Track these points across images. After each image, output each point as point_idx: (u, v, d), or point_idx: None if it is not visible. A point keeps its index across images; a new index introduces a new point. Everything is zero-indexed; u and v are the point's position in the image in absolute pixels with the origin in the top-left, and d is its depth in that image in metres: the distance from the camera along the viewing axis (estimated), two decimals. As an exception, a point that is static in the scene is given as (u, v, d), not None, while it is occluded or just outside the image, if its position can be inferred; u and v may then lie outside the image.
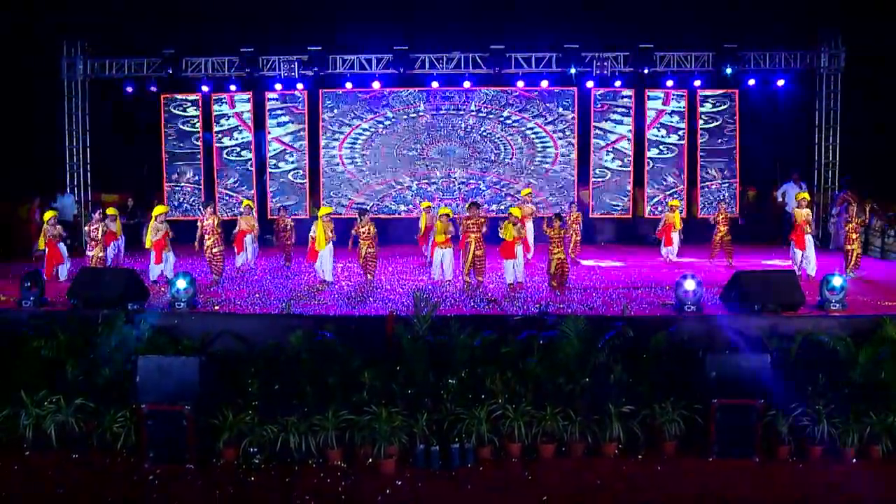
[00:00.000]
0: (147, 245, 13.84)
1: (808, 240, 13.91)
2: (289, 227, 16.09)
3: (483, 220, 13.19)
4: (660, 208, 20.27)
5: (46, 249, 14.27)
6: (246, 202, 16.21)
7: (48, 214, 14.55)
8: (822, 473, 8.42)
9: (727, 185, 20.39)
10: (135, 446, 8.80)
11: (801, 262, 13.90)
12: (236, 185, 20.77)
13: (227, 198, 20.66)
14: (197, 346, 9.57)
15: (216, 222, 13.76)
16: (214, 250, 13.64)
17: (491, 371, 9.11)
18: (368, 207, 19.06)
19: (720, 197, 19.49)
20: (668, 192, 20.35)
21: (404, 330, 9.32)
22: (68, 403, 9.02)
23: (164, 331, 9.90)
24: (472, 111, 20.64)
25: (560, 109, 20.53)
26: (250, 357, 9.43)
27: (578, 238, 16.36)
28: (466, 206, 14.12)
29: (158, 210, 14.00)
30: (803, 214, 13.95)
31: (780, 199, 19.57)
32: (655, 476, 8.38)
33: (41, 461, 8.70)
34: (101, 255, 14.17)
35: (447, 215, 13.67)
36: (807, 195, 14.81)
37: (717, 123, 20.39)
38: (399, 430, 8.63)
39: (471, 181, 20.74)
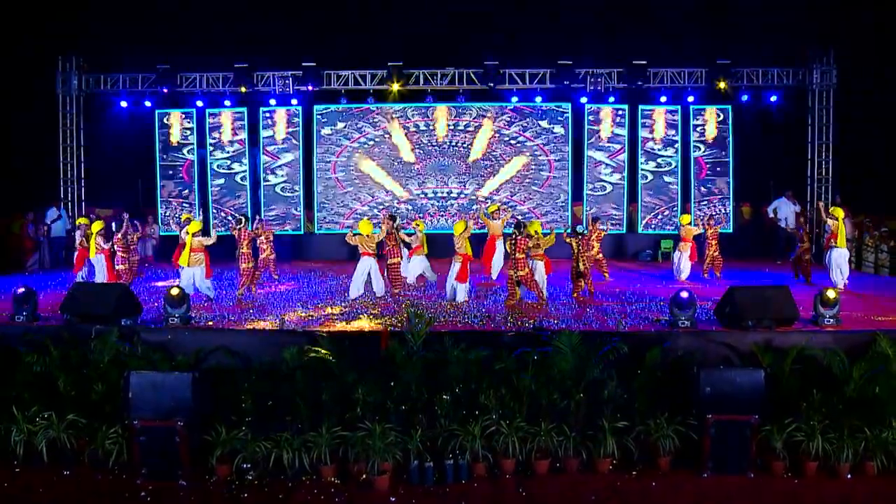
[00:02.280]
0: (183, 262, 13.36)
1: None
2: (268, 239, 15.70)
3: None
4: (654, 223, 20.35)
5: (102, 260, 13.96)
6: (186, 216, 15.91)
7: (97, 225, 14.15)
8: (817, 489, 8.41)
9: (721, 200, 20.46)
10: (127, 463, 8.74)
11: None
12: (227, 199, 20.78)
13: (216, 212, 20.71)
14: (191, 361, 9.53)
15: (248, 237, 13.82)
16: (120, 267, 13.87)
17: (485, 387, 9.09)
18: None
19: (714, 212, 19.57)
20: (667, 207, 20.42)
21: (398, 346, 9.30)
22: (60, 419, 8.96)
23: (158, 346, 9.87)
24: (466, 126, 20.69)
25: (554, 125, 20.62)
26: (244, 373, 9.39)
27: (602, 257, 15.77)
28: (517, 226, 13.08)
29: (195, 226, 13.51)
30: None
31: (771, 215, 19.65)
32: (650, 492, 8.36)
33: (32, 477, 8.63)
34: (128, 266, 14.12)
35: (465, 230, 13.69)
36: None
37: (711, 139, 20.47)
38: (393, 447, 8.59)
39: (465, 196, 20.77)
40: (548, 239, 13.31)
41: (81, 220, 15.02)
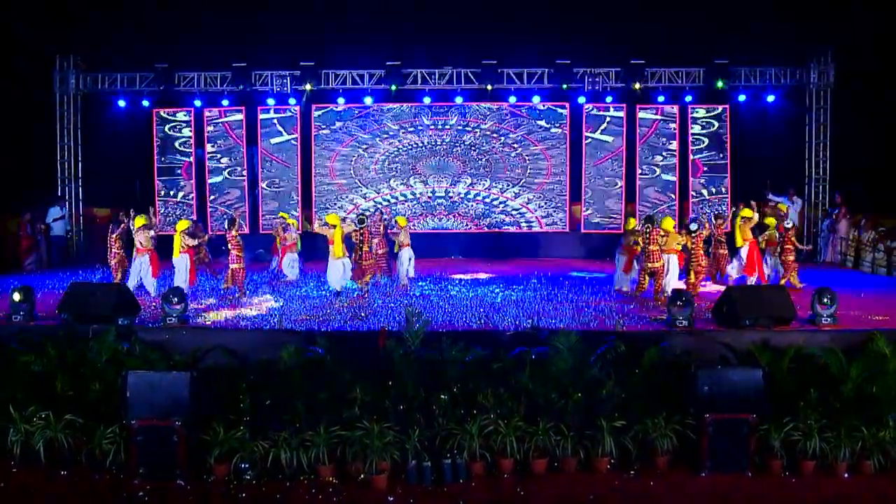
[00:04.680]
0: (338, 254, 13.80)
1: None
2: (203, 240, 15.44)
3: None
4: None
5: (186, 260, 13.61)
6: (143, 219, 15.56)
7: (182, 224, 13.87)
8: (815, 488, 8.42)
9: (719, 200, 20.45)
10: (124, 462, 8.72)
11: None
12: (224, 198, 20.76)
13: (212, 210, 20.68)
14: (188, 360, 9.53)
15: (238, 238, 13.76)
16: (235, 266, 13.74)
17: (483, 386, 9.09)
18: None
19: (715, 212, 19.56)
20: (665, 207, 20.42)
21: (396, 345, 9.30)
22: (58, 419, 8.94)
23: (156, 346, 9.87)
24: (464, 126, 20.69)
25: (552, 125, 20.61)
26: (242, 372, 9.39)
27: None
28: (648, 219, 13.71)
29: (334, 219, 14.12)
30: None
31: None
32: (648, 491, 8.36)
33: (29, 478, 8.62)
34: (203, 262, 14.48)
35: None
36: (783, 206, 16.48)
37: (708, 139, 20.48)
38: (391, 446, 8.59)
39: (462, 196, 20.77)
40: (680, 236, 13.62)
41: (141, 220, 13.84)
